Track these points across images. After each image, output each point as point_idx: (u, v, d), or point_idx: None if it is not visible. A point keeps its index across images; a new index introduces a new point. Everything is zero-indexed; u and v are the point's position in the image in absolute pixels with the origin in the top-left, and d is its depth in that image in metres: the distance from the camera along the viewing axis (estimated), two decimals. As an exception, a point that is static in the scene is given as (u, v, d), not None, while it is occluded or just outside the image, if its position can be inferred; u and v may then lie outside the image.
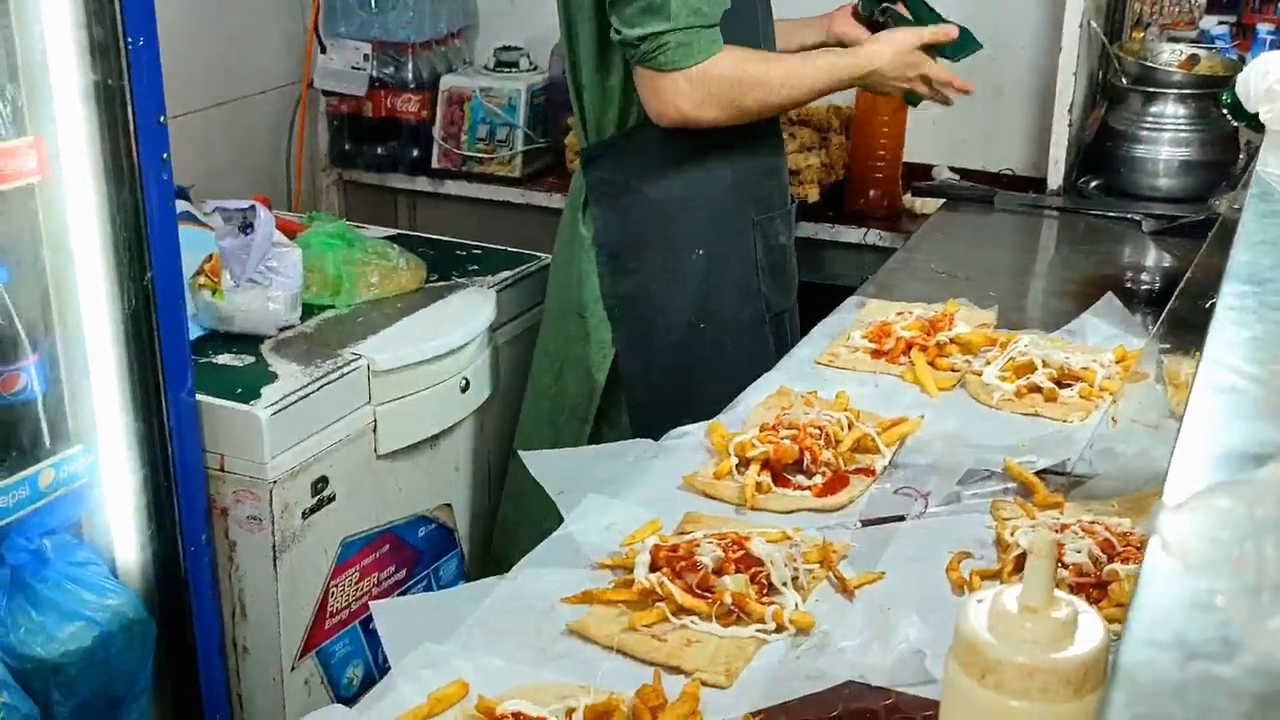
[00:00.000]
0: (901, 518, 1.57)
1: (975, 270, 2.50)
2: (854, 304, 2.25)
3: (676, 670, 1.28)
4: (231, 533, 2.18)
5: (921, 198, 3.08)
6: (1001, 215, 2.92)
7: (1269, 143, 1.31)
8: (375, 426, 2.33)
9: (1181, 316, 1.73)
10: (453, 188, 3.45)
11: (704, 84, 2.14)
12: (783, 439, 1.65)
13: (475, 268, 2.75)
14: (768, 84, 2.20)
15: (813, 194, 3.04)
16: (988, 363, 1.94)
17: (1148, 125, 2.88)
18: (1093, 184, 2.97)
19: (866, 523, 1.56)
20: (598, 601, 1.39)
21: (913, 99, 2.39)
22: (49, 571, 1.98)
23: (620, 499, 1.60)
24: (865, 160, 3.08)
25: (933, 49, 2.32)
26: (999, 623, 0.81)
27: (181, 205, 2.27)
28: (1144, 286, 2.53)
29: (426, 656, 1.29)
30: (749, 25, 2.28)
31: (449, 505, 2.58)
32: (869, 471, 1.66)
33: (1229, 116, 2.69)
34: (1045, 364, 1.89)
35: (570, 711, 1.18)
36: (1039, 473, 1.65)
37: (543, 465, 1.68)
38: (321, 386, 2.21)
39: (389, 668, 1.31)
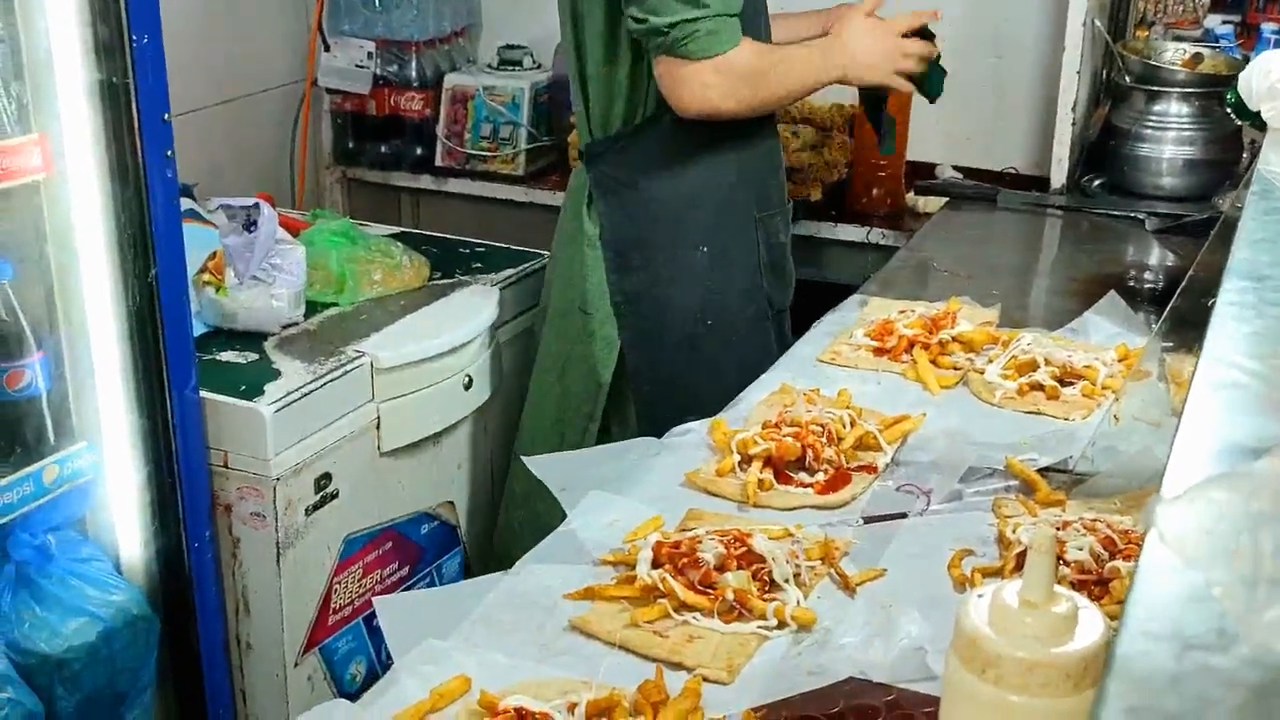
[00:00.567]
0: (903, 515, 1.58)
1: (978, 269, 2.51)
2: (856, 302, 2.25)
3: (678, 666, 1.29)
4: (235, 529, 2.19)
5: (924, 196, 3.08)
6: (1004, 214, 2.92)
7: (1271, 140, 1.32)
8: (378, 424, 2.33)
9: (1184, 315, 1.73)
10: (456, 186, 3.46)
11: (730, 74, 2.13)
12: (785, 436, 1.66)
13: (478, 266, 2.75)
14: (778, 76, 2.20)
15: (815, 192, 3.05)
16: (990, 361, 1.95)
17: (1151, 124, 2.88)
18: (1096, 182, 2.97)
19: (868, 520, 1.57)
20: (600, 598, 1.39)
21: (934, 86, 2.38)
22: (53, 567, 1.99)
23: (623, 496, 1.60)
24: (868, 159, 3.08)
25: (921, 89, 2.36)
26: (999, 617, 0.82)
27: (185, 203, 2.28)
28: (1147, 285, 2.54)
29: (429, 652, 1.30)
30: (754, 18, 2.28)
31: (451, 503, 2.58)
32: (871, 469, 1.66)
33: (1233, 115, 2.70)
34: (1048, 362, 1.90)
35: (572, 706, 1.19)
36: (1041, 470, 1.65)
37: (545, 466, 1.69)
38: (325, 384, 2.22)
39: (392, 664, 1.31)
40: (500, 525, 2.62)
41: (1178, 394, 1.63)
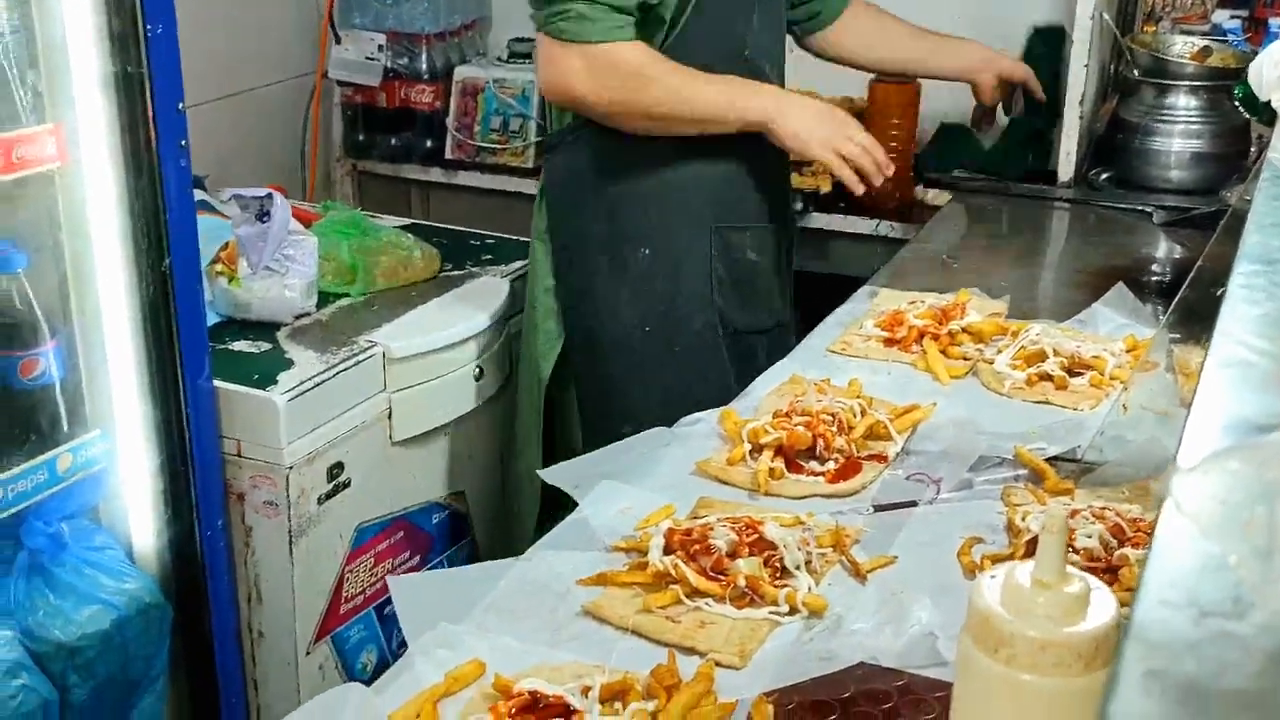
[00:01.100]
0: (914, 503, 1.59)
1: (987, 261, 2.51)
2: (866, 293, 2.26)
3: (691, 651, 1.30)
4: (248, 518, 2.20)
5: (933, 189, 3.09)
6: (1013, 207, 2.92)
7: (1281, 130, 1.32)
8: (390, 413, 2.35)
9: (1192, 306, 1.74)
10: (466, 178, 3.46)
11: (601, 67, 2.04)
12: (796, 425, 1.67)
13: (489, 257, 2.76)
14: (668, 90, 2.09)
15: (825, 185, 3.05)
16: (999, 351, 1.95)
17: (1159, 117, 2.88)
18: (1104, 176, 2.97)
19: (879, 508, 1.58)
20: (612, 583, 1.40)
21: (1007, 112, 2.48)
22: (67, 556, 2.00)
23: (634, 484, 1.61)
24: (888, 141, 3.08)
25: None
26: (1012, 597, 0.82)
27: (197, 194, 2.28)
28: (1154, 277, 2.54)
29: (443, 636, 1.31)
30: (729, 30, 2.20)
31: (462, 493, 2.59)
32: (881, 458, 1.67)
33: (1241, 109, 2.70)
34: (1056, 353, 1.90)
35: (586, 690, 1.20)
36: (1050, 459, 1.66)
37: (557, 474, 1.66)
38: (337, 373, 2.23)
39: (403, 653, 1.33)
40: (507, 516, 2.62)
41: (1185, 384, 1.63)
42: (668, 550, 1.41)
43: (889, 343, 2.01)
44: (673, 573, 1.38)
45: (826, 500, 1.59)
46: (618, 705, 1.19)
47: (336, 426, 2.23)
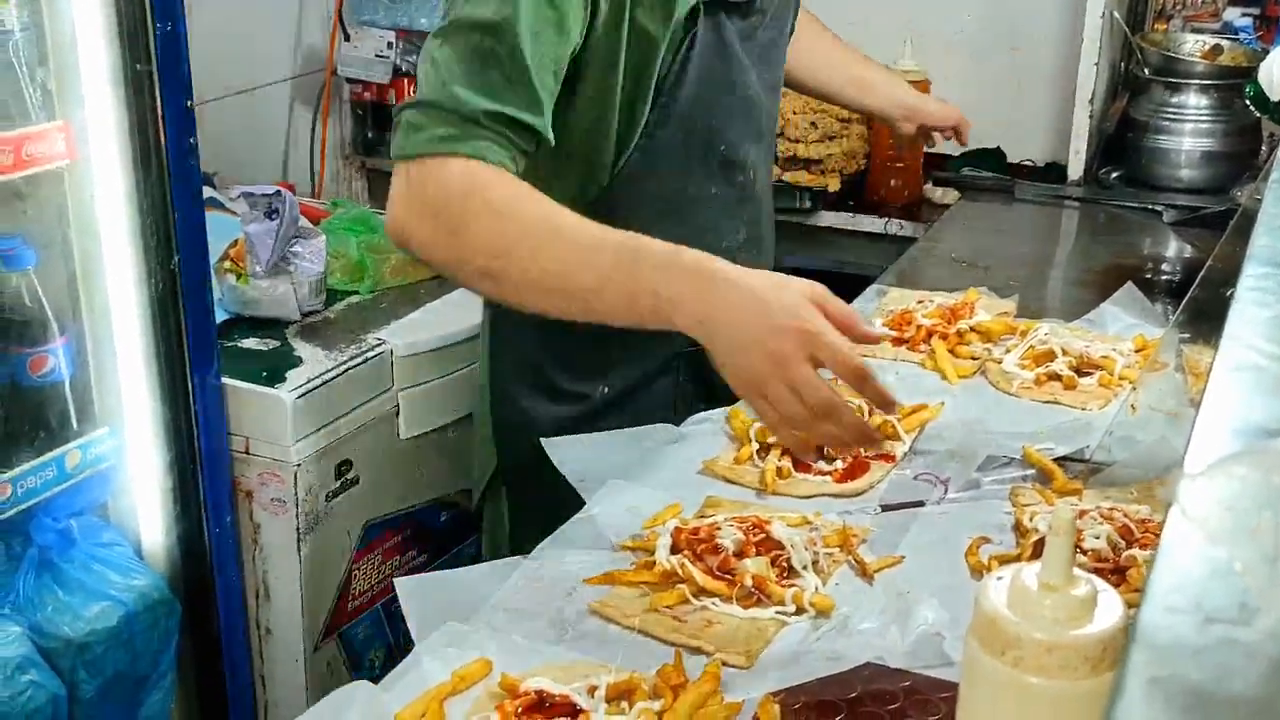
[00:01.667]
0: (921, 503, 1.58)
1: (995, 259, 2.51)
2: (875, 292, 2.25)
3: (697, 651, 1.30)
4: (256, 515, 2.20)
5: (942, 187, 3.08)
6: (1022, 205, 2.92)
7: (1291, 130, 1.32)
8: (398, 411, 2.35)
9: (1201, 306, 1.73)
10: (474, 176, 3.46)
11: (414, 192, 1.45)
12: (803, 425, 1.66)
13: (497, 255, 2.76)
14: (495, 232, 1.42)
15: (833, 183, 3.05)
16: (1008, 351, 1.95)
17: (1169, 116, 2.88)
18: (1113, 175, 2.97)
19: (886, 508, 1.57)
20: (619, 583, 1.40)
21: None
22: (75, 552, 2.01)
23: (641, 483, 1.61)
24: (886, 150, 3.08)
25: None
26: (1019, 599, 0.82)
27: (206, 192, 2.29)
28: (1164, 277, 2.54)
29: (450, 635, 1.31)
30: (706, 123, 1.70)
31: (469, 491, 2.59)
32: (889, 458, 1.67)
33: (1252, 108, 2.69)
34: (1065, 352, 1.90)
35: (593, 690, 1.20)
36: (1058, 460, 1.65)
37: (563, 452, 1.65)
38: (345, 371, 2.23)
39: (411, 649, 1.33)
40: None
41: (1195, 384, 1.63)
42: (675, 549, 1.41)
43: (897, 342, 2.01)
44: (679, 572, 1.37)
45: (834, 500, 1.59)
46: (624, 705, 1.19)
47: (345, 424, 2.24)
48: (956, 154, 3.22)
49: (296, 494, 2.17)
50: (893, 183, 3.09)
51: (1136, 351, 1.93)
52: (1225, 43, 2.99)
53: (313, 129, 3.51)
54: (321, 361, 2.24)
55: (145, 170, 1.94)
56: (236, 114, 3.23)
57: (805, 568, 1.40)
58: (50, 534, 1.98)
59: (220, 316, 2.25)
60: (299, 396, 2.15)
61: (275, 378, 2.18)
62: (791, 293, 1.32)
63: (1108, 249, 2.63)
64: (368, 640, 2.40)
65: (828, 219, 3.04)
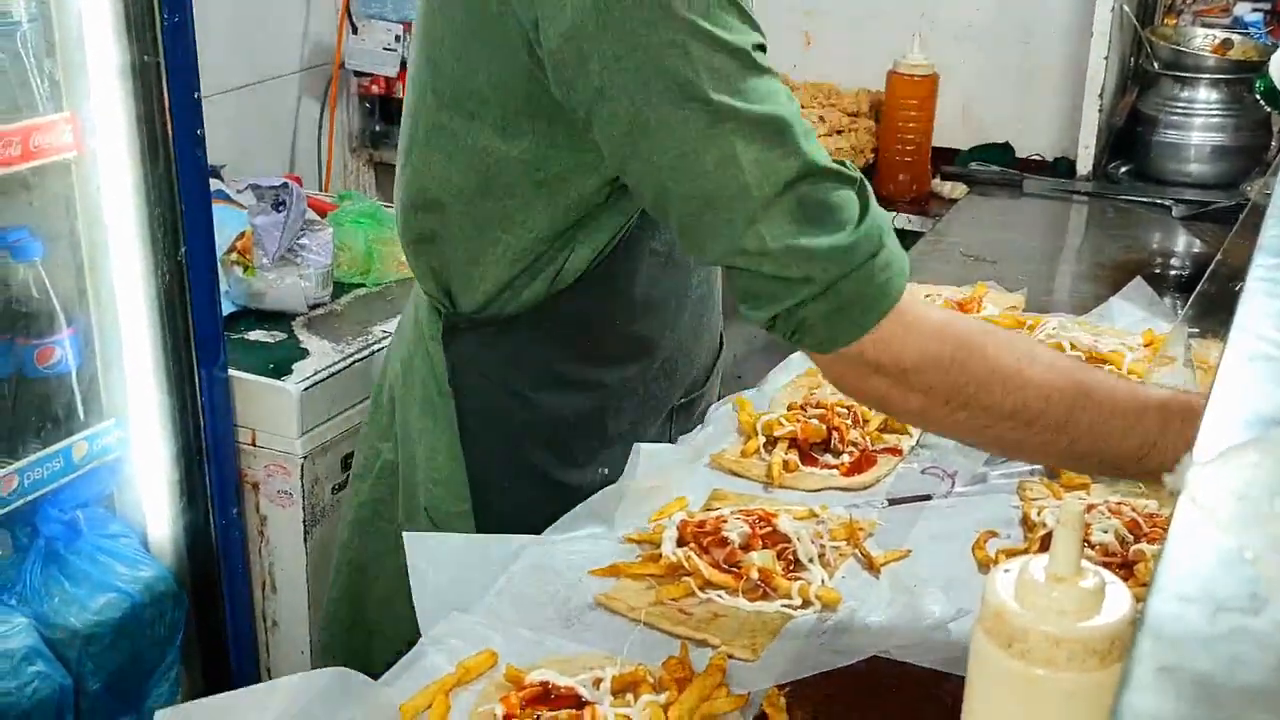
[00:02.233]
0: (928, 497, 1.58)
1: (1004, 254, 2.50)
2: (882, 286, 2.24)
3: (703, 643, 1.29)
4: (262, 507, 2.20)
5: (950, 182, 3.08)
6: (1030, 200, 2.91)
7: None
8: (404, 404, 2.35)
9: (1211, 300, 1.73)
10: (482, 169, 3.46)
11: (894, 352, 1.20)
12: (810, 418, 1.66)
13: (504, 248, 2.76)
14: (1032, 393, 1.19)
15: (841, 177, 3.04)
16: (1016, 345, 1.94)
17: (1179, 110, 2.87)
18: (1123, 169, 2.96)
19: (893, 501, 1.57)
20: (625, 575, 1.40)
21: None
22: (81, 543, 2.01)
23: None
24: (894, 144, 3.08)
25: None
26: (1026, 591, 0.82)
27: (213, 184, 2.29)
28: (1173, 271, 2.53)
29: (455, 626, 1.31)
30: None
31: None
32: (896, 451, 1.66)
33: (1262, 102, 2.68)
34: (1073, 347, 1.89)
35: (598, 682, 1.19)
36: (1066, 454, 1.65)
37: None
38: (352, 363, 2.23)
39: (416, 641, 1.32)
40: None
41: (1203, 379, 1.62)
42: (681, 542, 1.41)
43: (905, 336, 2.00)
44: (685, 565, 1.37)
45: (841, 493, 1.58)
46: (629, 697, 1.19)
47: (351, 416, 2.24)
48: (965, 148, 3.22)
49: (303, 486, 2.17)
50: (901, 177, 3.09)
51: (1145, 346, 1.93)
52: (1235, 37, 2.98)
53: (320, 122, 3.51)
54: (328, 354, 2.24)
55: (152, 162, 1.94)
56: (244, 106, 3.23)
57: (811, 561, 1.40)
58: (56, 525, 1.98)
59: (227, 309, 2.25)
60: (306, 389, 2.15)
61: (282, 370, 2.18)
62: None
63: (1116, 243, 2.62)
64: (374, 633, 2.40)
65: (836, 213, 3.03)
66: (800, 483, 1.60)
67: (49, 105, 1.87)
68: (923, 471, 1.64)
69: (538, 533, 1.47)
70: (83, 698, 1.98)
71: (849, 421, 1.66)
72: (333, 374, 2.20)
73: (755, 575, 1.35)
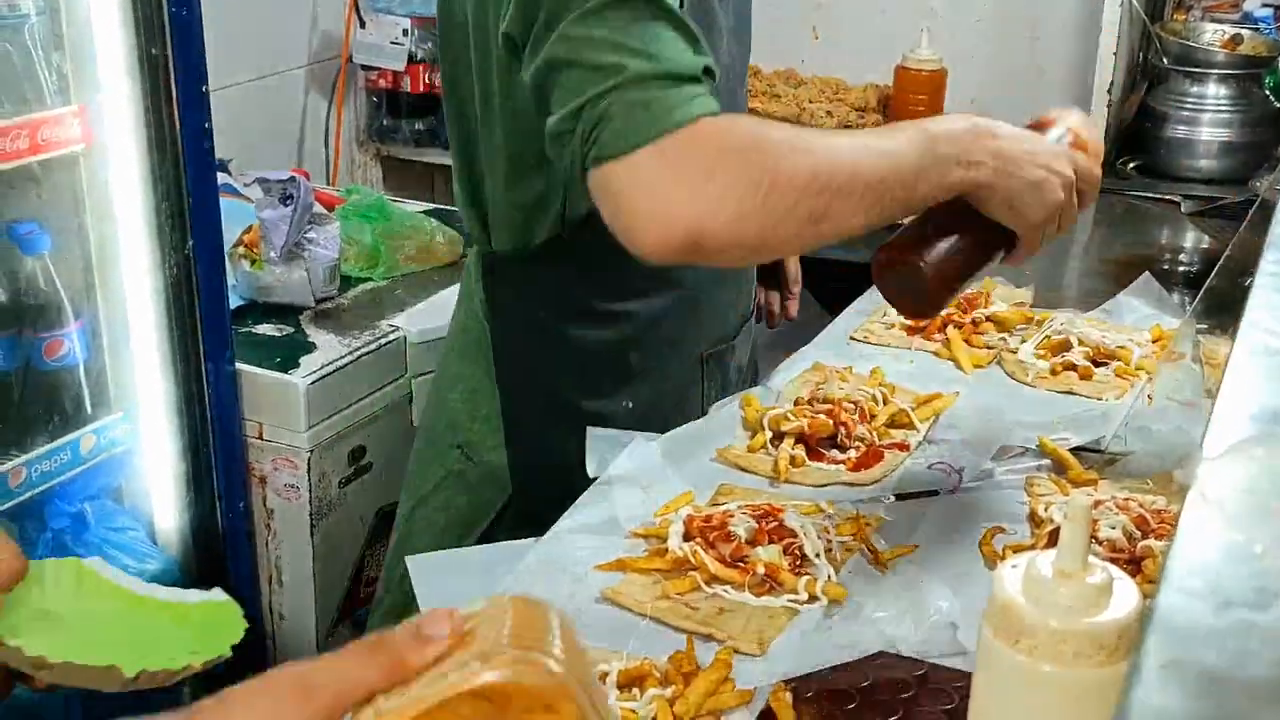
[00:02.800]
0: (935, 493, 1.58)
1: (1011, 249, 2.49)
2: (890, 281, 2.24)
3: (709, 638, 1.29)
4: (269, 501, 2.21)
5: (958, 177, 3.07)
6: (1039, 195, 2.90)
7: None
8: (411, 398, 2.35)
9: (1219, 296, 1.72)
10: (489, 164, 3.46)
11: (694, 157, 1.22)
12: (817, 413, 1.66)
13: (511, 242, 2.76)
14: (820, 159, 1.26)
15: (849, 173, 3.03)
16: (1023, 340, 1.94)
17: (1188, 106, 2.86)
18: (1131, 165, 2.95)
19: (900, 497, 1.57)
20: (631, 569, 1.40)
21: None
22: (89, 536, 2.01)
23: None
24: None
25: None
26: (1033, 587, 0.82)
27: (221, 177, 2.29)
28: (1181, 267, 2.52)
29: (462, 620, 1.30)
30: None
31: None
32: (903, 446, 1.66)
33: (1271, 98, 2.68)
34: (1081, 342, 1.89)
35: (604, 676, 1.19)
36: (1073, 450, 1.64)
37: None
38: (359, 357, 2.24)
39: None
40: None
41: (1212, 375, 1.62)
42: (687, 537, 1.40)
43: (912, 331, 2.00)
44: (692, 560, 1.37)
45: (847, 488, 1.58)
46: (635, 691, 1.19)
47: (358, 410, 2.24)
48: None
49: (310, 480, 2.17)
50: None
51: (1153, 342, 1.92)
52: (1245, 32, 2.97)
53: (328, 116, 3.52)
54: (335, 348, 2.24)
55: (160, 155, 1.95)
56: (251, 100, 3.23)
57: (818, 556, 1.40)
58: (64, 518, 1.99)
59: (234, 302, 2.26)
60: (313, 383, 2.15)
61: (289, 364, 2.18)
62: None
63: (1125, 239, 2.61)
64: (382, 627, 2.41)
65: (843, 208, 3.03)
66: (807, 478, 1.60)
67: (57, 98, 1.88)
68: (929, 467, 1.63)
69: (566, 469, 1.57)
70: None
71: (856, 416, 1.66)
72: (339, 368, 2.20)
73: (761, 570, 1.35)
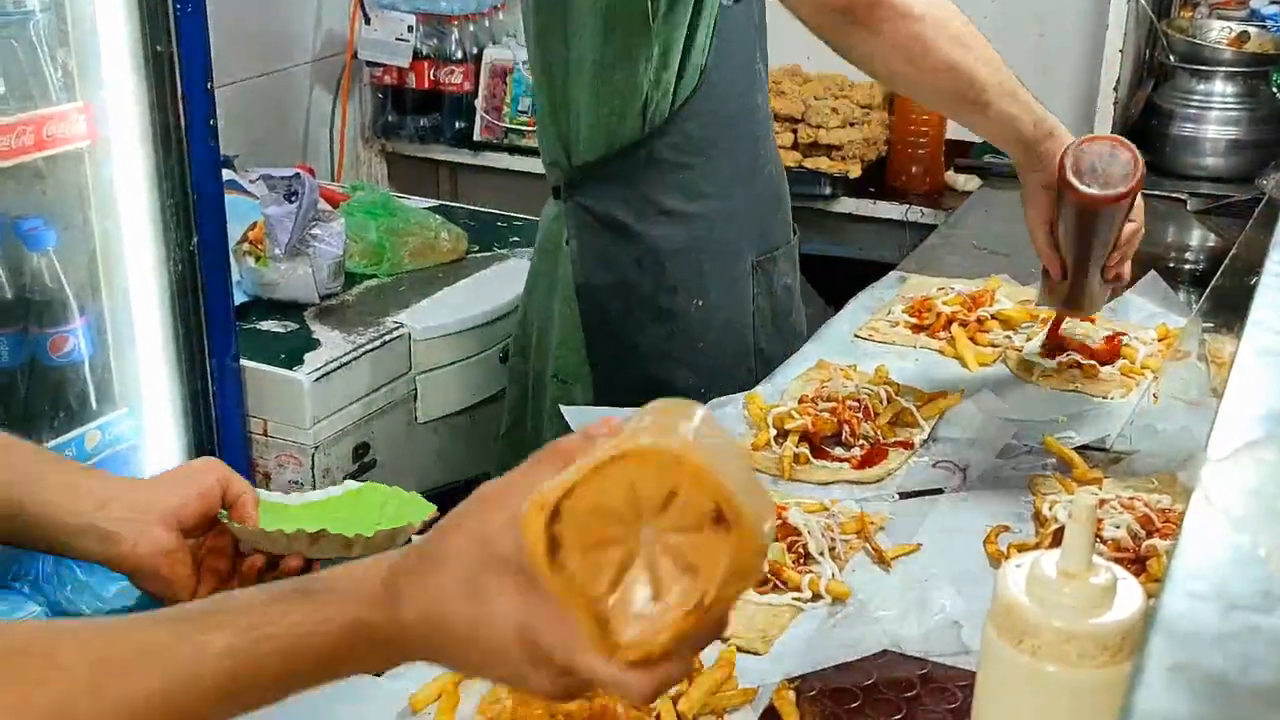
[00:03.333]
0: (939, 491, 1.57)
1: (1017, 247, 2.48)
2: (895, 279, 2.24)
3: (713, 636, 1.29)
4: (273, 497, 2.21)
5: (963, 174, 3.07)
6: (1044, 193, 2.89)
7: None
8: (416, 394, 2.35)
9: (1225, 295, 1.72)
10: (494, 160, 3.46)
11: None
12: (821, 411, 1.66)
13: (516, 239, 2.76)
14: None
15: (854, 170, 3.04)
16: (1028, 338, 1.94)
17: (1195, 104, 2.85)
18: (1137, 163, 2.94)
19: (904, 495, 1.56)
20: (635, 567, 1.40)
21: None
22: (94, 532, 2.01)
23: None
24: (907, 136, 3.07)
25: None
26: (1037, 587, 0.81)
27: (226, 174, 2.29)
28: (1187, 266, 2.51)
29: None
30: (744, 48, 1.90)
31: (488, 474, 2.59)
32: (907, 445, 1.66)
33: (1278, 96, 2.67)
34: (1086, 340, 1.89)
35: (607, 674, 1.19)
36: (1078, 448, 1.64)
37: (580, 416, 1.63)
38: (363, 354, 2.24)
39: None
40: None
41: (1217, 374, 1.62)
42: (691, 534, 1.40)
43: (917, 329, 1.99)
44: (696, 557, 1.37)
45: (851, 487, 1.58)
46: (639, 689, 1.19)
47: (362, 407, 2.24)
48: (979, 140, 3.21)
49: (314, 476, 2.17)
50: (914, 169, 3.08)
51: (1159, 340, 1.92)
52: (1252, 30, 2.96)
53: (332, 112, 3.52)
54: (340, 344, 2.24)
55: (165, 152, 1.95)
56: (256, 96, 3.23)
57: (822, 554, 1.39)
58: (69, 514, 1.99)
59: (239, 298, 2.26)
60: (317, 379, 2.15)
61: (293, 360, 2.18)
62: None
63: (1131, 237, 2.60)
64: (384, 623, 2.41)
65: (848, 205, 3.03)
66: (811, 476, 1.60)
67: (62, 95, 1.88)
68: (934, 465, 1.63)
69: (645, 365, 1.86)
70: (94, 686, 1.99)
71: (860, 414, 1.66)
72: (344, 364, 2.20)
73: (765, 568, 1.35)
